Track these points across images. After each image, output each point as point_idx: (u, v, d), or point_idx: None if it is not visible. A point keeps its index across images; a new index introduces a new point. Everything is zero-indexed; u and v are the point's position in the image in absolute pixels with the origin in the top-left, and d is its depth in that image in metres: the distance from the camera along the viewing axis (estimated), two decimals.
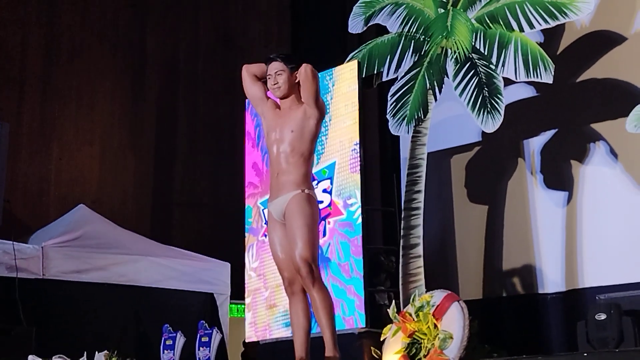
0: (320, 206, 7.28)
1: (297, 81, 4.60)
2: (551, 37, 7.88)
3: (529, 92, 7.98)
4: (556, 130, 7.93)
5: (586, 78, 7.77)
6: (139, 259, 8.25)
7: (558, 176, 7.80)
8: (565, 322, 7.44)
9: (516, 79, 7.56)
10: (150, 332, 7.65)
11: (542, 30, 7.71)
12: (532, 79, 7.47)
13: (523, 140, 8.06)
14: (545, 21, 7.40)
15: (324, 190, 7.36)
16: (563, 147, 7.84)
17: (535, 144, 7.97)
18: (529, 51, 7.45)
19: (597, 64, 7.72)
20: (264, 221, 7.76)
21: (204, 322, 6.65)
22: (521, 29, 7.51)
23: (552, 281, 7.66)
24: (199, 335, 6.49)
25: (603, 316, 5.50)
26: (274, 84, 4.58)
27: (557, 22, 7.40)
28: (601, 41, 7.70)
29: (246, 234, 7.98)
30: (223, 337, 7.42)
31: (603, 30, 7.73)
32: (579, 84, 7.82)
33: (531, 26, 7.46)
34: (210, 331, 6.42)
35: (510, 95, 7.77)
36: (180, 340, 6.44)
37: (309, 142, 4.58)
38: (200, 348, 6.41)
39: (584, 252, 7.52)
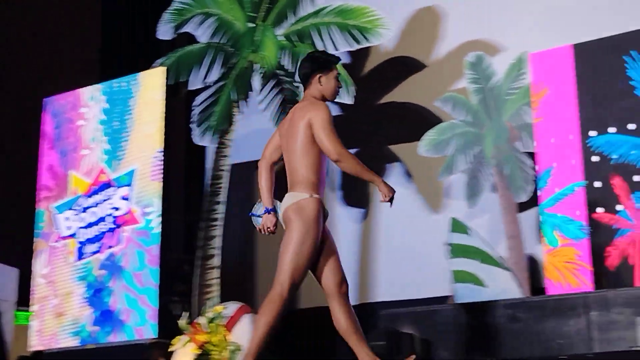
0: (117, 213, 7.12)
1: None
2: (357, 58, 8.14)
3: (333, 111, 8.15)
4: (357, 149, 8.16)
5: (387, 100, 8.08)
6: None
7: (356, 194, 8.03)
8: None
9: None
10: None
11: (349, 52, 7.95)
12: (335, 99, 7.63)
13: None
14: (349, 44, 7.67)
15: (123, 197, 7.16)
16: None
17: None
18: None
19: (397, 88, 8.06)
20: (56, 226, 7.46)
21: None
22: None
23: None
24: None
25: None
26: (339, 87, 4.30)
27: (360, 46, 7.72)
28: (403, 66, 8.05)
29: (36, 239, 7.61)
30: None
31: (405, 57, 8.08)
32: (380, 106, 8.11)
33: (336, 48, 7.69)
34: None
35: None
36: None
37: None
38: None
39: (377, 268, 7.78)
